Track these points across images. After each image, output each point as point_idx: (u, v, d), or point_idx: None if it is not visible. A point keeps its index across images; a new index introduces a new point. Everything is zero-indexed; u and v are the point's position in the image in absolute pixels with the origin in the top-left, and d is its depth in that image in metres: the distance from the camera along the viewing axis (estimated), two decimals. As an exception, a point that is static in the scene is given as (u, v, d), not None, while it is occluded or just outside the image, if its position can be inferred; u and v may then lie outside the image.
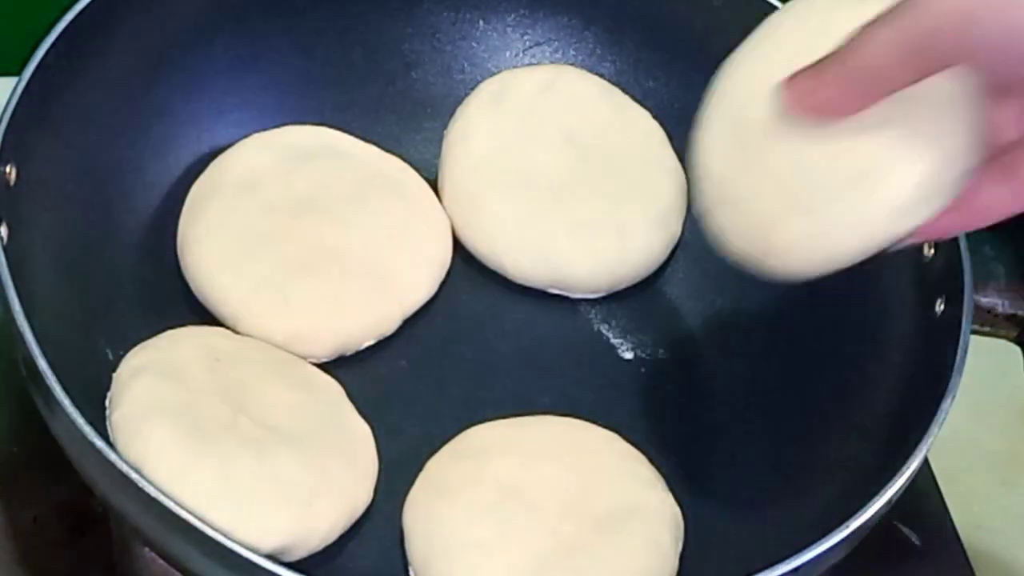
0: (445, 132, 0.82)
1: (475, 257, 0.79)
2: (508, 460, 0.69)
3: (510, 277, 0.79)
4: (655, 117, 0.83)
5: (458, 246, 0.79)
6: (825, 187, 0.62)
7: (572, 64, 0.85)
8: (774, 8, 0.80)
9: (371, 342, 0.75)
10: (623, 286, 0.79)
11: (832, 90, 0.55)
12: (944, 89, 0.60)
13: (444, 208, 0.80)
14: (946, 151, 0.60)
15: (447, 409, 0.74)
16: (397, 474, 0.70)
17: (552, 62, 0.85)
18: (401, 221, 0.77)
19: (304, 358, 0.73)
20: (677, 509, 0.70)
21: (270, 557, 0.61)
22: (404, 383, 0.75)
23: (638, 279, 0.79)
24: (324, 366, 0.73)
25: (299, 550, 0.66)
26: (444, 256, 0.78)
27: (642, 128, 0.82)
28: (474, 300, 0.79)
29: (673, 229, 0.80)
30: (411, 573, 0.68)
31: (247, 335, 0.72)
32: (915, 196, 0.61)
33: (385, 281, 0.75)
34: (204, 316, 0.74)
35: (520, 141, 0.81)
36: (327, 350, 0.74)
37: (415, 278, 0.76)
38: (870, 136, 0.61)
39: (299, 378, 0.71)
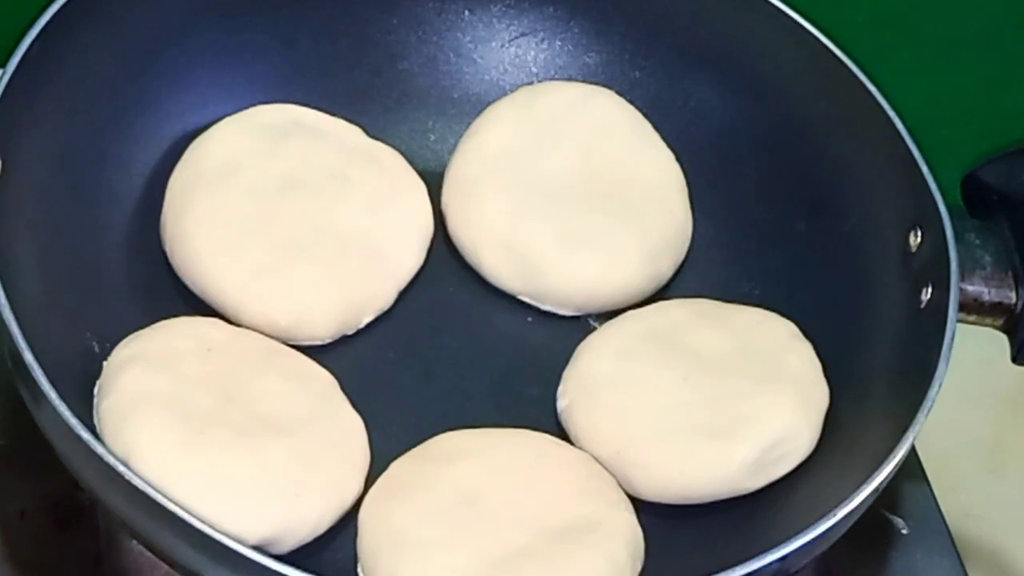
0: (468, 124, 0.81)
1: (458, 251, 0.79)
2: (472, 467, 0.69)
3: (485, 275, 0.78)
4: (649, 113, 0.83)
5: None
6: (690, 430, 0.71)
7: (559, 58, 0.85)
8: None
9: (371, 318, 0.75)
10: (592, 311, 0.78)
11: None
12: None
13: (442, 198, 0.79)
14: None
15: (438, 404, 0.74)
16: (390, 455, 0.70)
17: (538, 52, 0.85)
18: (382, 194, 0.77)
19: (307, 341, 0.73)
20: (639, 531, 0.69)
21: (258, 548, 0.61)
22: (393, 376, 0.75)
23: (610, 308, 0.78)
24: (316, 357, 0.73)
25: (288, 541, 0.66)
26: (427, 222, 0.78)
27: (663, 168, 0.81)
28: (465, 297, 0.78)
29: (662, 269, 0.79)
30: (359, 570, 0.67)
31: (248, 325, 0.72)
32: (770, 456, 0.71)
33: (377, 254, 0.75)
34: (193, 306, 0.74)
35: (537, 147, 0.80)
36: (331, 330, 0.74)
37: (404, 248, 0.76)
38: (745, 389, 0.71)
39: (292, 368, 0.71)
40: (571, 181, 0.79)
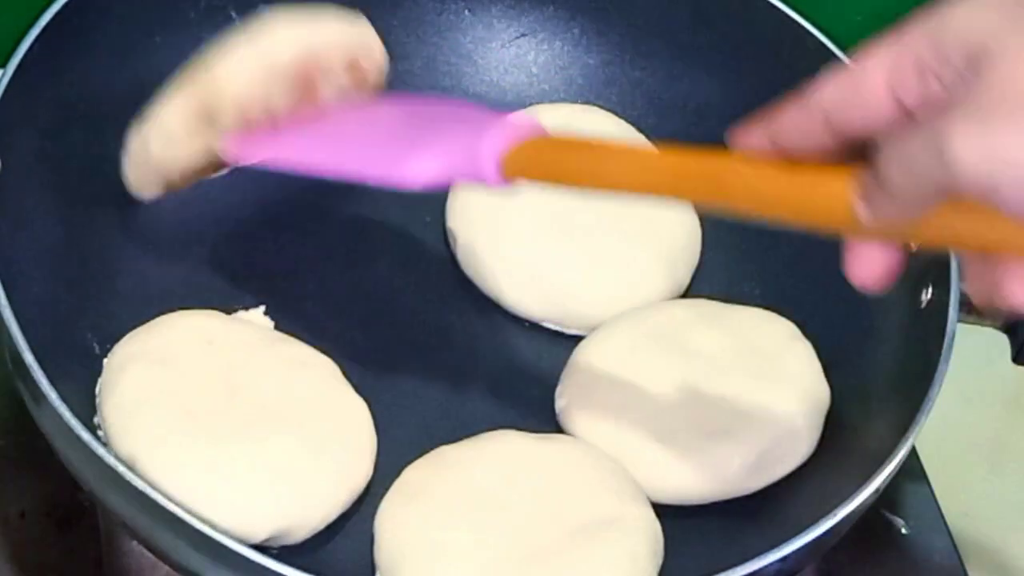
0: None
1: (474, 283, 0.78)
2: (487, 470, 0.69)
3: (506, 306, 0.77)
4: (649, 114, 0.83)
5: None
6: (689, 430, 0.70)
7: (559, 59, 0.85)
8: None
9: None
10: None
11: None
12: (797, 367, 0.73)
13: (448, 228, 0.79)
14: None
15: (438, 404, 0.74)
16: (394, 458, 0.70)
17: (538, 53, 0.85)
18: None
19: None
20: (657, 525, 0.69)
21: (270, 540, 0.61)
22: (393, 378, 0.75)
23: None
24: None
25: (301, 530, 0.66)
26: None
27: None
28: (466, 301, 0.78)
29: (680, 279, 0.79)
30: None
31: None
32: (769, 457, 0.70)
33: None
34: (193, 303, 0.73)
35: None
36: None
37: None
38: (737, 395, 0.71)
39: (293, 356, 0.71)
40: (577, 202, 0.79)
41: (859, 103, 0.50)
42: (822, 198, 0.51)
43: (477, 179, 0.62)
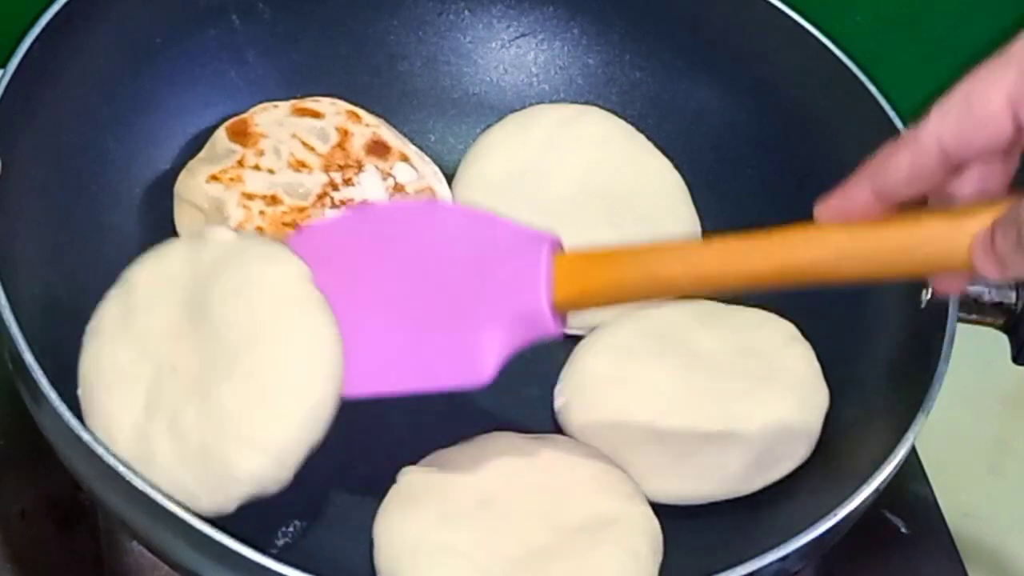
0: (465, 152, 0.81)
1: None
2: (485, 472, 0.69)
3: None
4: (649, 114, 0.83)
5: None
6: (689, 431, 0.71)
7: (559, 59, 0.85)
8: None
9: None
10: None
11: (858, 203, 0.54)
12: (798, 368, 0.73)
13: None
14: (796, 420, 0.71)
15: (437, 404, 0.74)
16: (393, 459, 0.70)
17: (538, 53, 0.85)
18: None
19: None
20: (656, 523, 0.69)
21: (256, 491, 0.60)
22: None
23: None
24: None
25: (283, 471, 0.61)
26: None
27: (664, 176, 0.81)
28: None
29: None
30: None
31: None
32: (768, 458, 0.71)
33: None
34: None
35: (537, 170, 0.80)
36: None
37: None
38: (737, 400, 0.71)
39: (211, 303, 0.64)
40: (578, 200, 0.79)
41: (977, 126, 0.50)
42: (942, 251, 0.51)
43: (538, 336, 0.62)
